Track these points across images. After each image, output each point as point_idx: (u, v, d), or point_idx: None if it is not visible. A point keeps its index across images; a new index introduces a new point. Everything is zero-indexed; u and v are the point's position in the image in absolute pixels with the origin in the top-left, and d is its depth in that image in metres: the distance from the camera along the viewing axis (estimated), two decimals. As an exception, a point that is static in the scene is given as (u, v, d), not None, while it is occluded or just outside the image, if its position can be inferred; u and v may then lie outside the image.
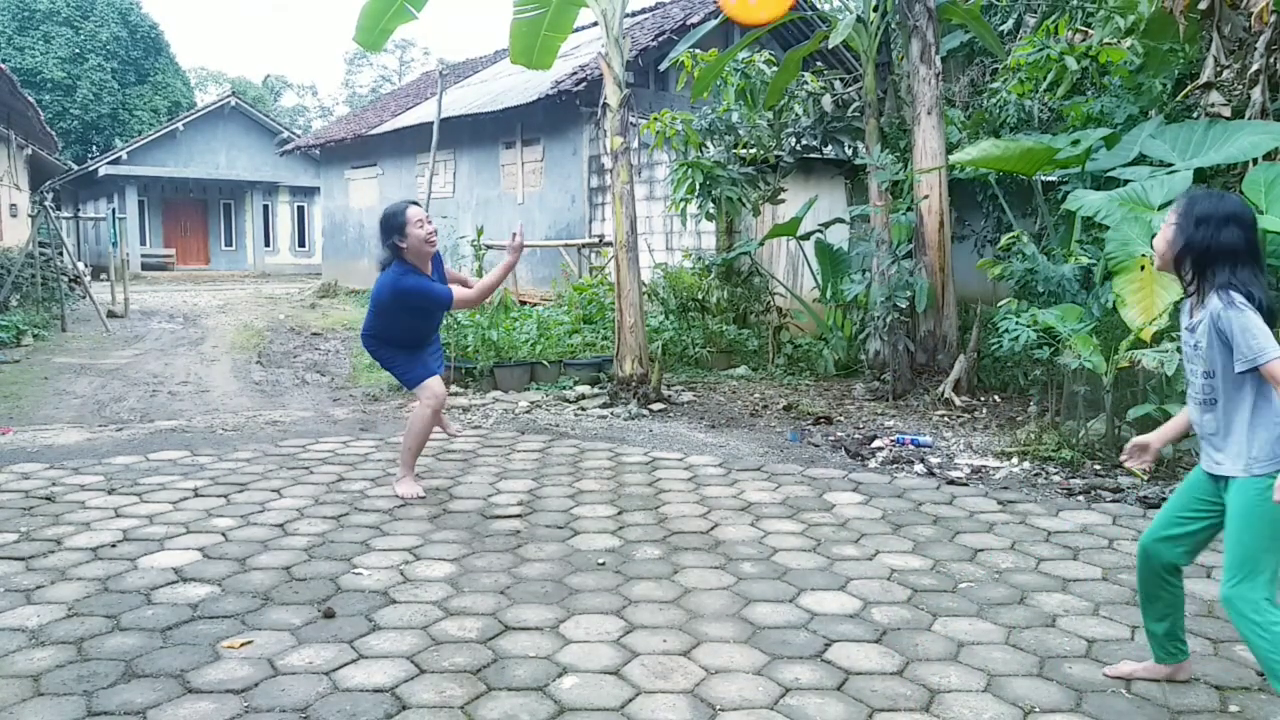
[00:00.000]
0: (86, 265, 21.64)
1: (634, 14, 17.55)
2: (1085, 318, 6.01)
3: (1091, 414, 5.88)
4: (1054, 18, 8.88)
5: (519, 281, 12.94)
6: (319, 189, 24.14)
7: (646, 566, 4.00)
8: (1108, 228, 6.05)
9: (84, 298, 15.60)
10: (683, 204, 9.13)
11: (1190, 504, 2.82)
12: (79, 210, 31.26)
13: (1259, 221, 5.50)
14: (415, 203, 5.00)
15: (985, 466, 5.70)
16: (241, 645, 3.19)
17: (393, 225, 4.80)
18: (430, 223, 4.89)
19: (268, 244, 32.91)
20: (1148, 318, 5.37)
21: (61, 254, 15.26)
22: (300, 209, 33.17)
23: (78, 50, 32.09)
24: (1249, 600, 2.57)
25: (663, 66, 11.88)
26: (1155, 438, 2.94)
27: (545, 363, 8.49)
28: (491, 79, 18.83)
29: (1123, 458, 3.01)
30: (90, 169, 28.75)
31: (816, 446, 6.30)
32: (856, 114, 9.21)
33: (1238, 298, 2.56)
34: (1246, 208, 2.70)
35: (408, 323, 5.01)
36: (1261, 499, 2.55)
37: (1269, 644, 2.55)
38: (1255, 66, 6.64)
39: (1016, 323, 6.26)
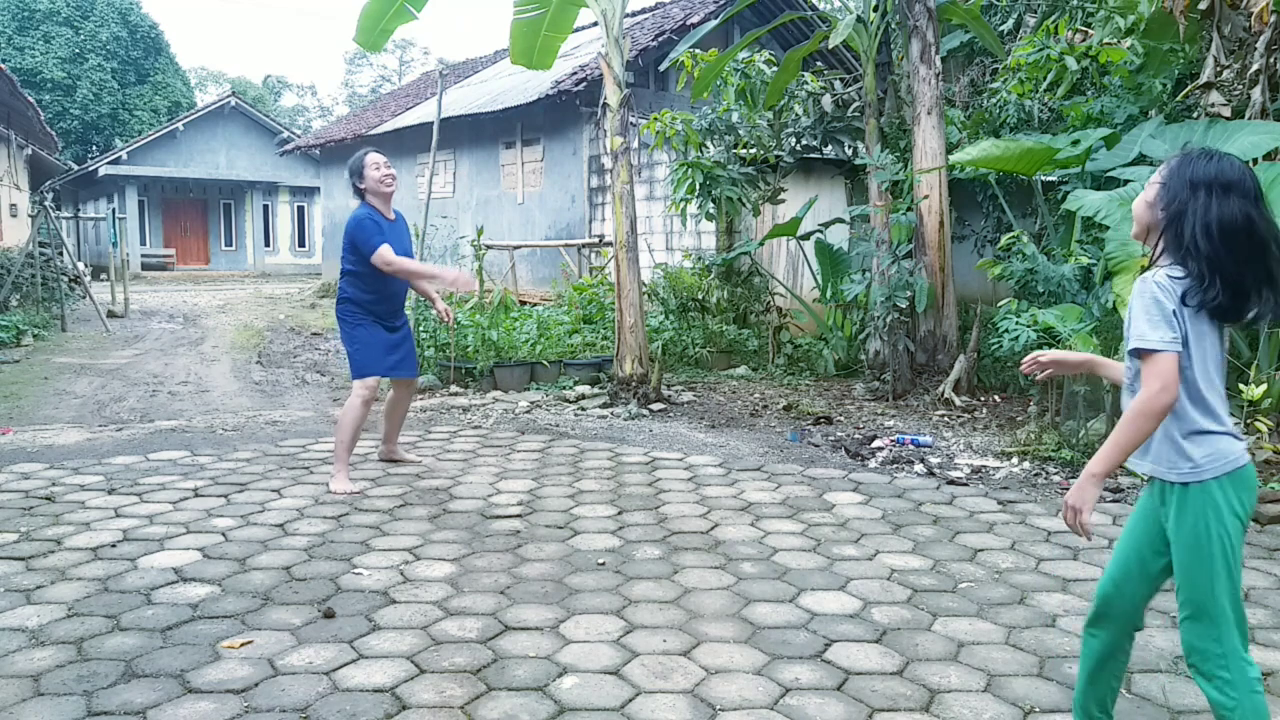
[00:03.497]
0: (86, 265, 21.63)
1: (634, 14, 17.55)
2: (1085, 318, 6.02)
3: (1091, 414, 5.88)
4: (1054, 18, 8.88)
5: (519, 281, 12.94)
6: (319, 189, 24.15)
7: (646, 566, 4.00)
8: (1108, 228, 6.05)
9: (84, 298, 15.60)
10: (683, 204, 9.14)
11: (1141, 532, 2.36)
12: (79, 210, 31.29)
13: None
14: (377, 150, 5.42)
15: (985, 466, 5.70)
16: (241, 645, 3.19)
17: (354, 168, 5.27)
18: (389, 167, 5.29)
19: (268, 244, 32.92)
20: (1148, 318, 5.36)
21: (61, 254, 15.27)
22: (300, 209, 33.17)
23: (78, 50, 32.10)
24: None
25: (663, 66, 11.88)
26: (1057, 354, 2.62)
27: (545, 363, 8.49)
28: (491, 79, 18.83)
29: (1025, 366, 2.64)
30: (90, 169, 28.77)
31: (816, 446, 6.30)
32: (856, 114, 9.21)
33: (1162, 275, 2.19)
34: (1248, 174, 2.21)
35: (369, 278, 5.19)
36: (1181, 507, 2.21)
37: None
38: (1255, 66, 6.64)
39: (1016, 323, 6.27)
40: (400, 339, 5.42)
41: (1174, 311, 2.16)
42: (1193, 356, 2.19)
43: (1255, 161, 6.34)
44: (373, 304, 5.24)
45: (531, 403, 7.74)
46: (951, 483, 5.37)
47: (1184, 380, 2.17)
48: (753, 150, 9.41)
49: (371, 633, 3.31)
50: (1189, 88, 7.20)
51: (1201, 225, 2.15)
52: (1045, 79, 8.04)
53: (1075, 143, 7.16)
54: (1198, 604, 2.19)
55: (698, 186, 8.93)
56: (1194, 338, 2.19)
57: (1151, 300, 2.17)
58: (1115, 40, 7.86)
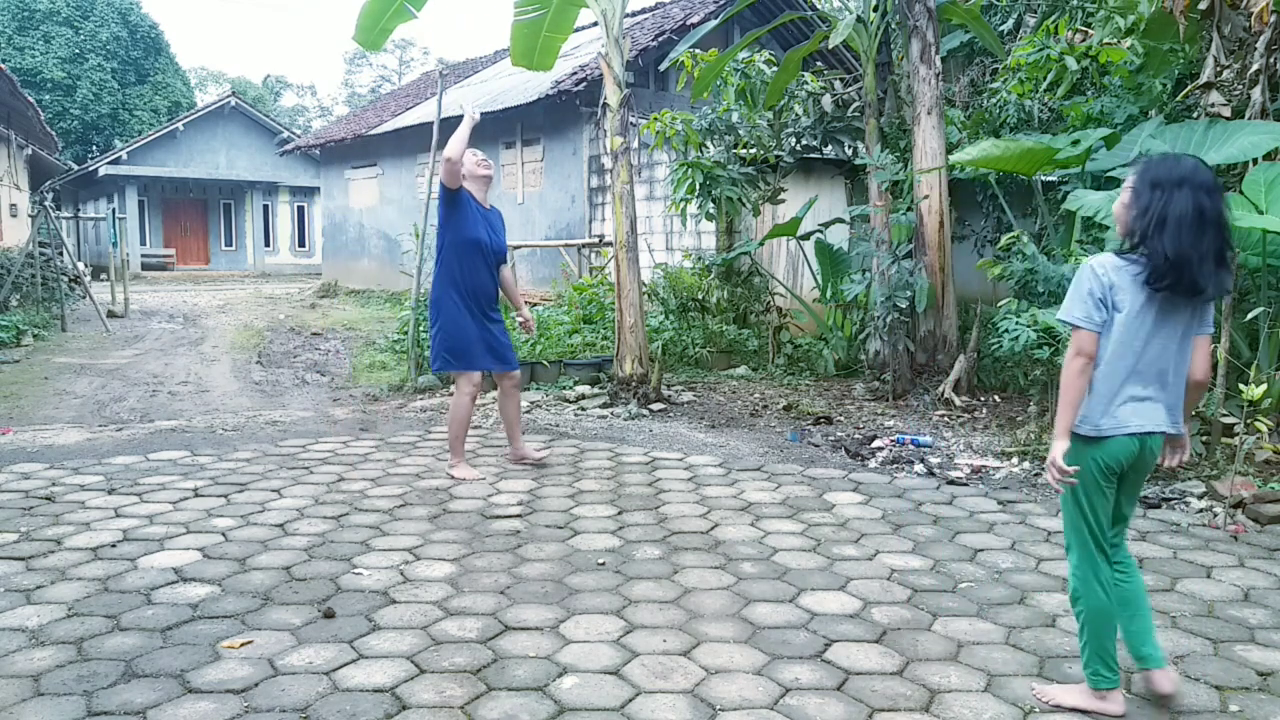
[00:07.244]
0: (86, 265, 21.64)
1: (634, 14, 17.55)
2: (1085, 318, 6.00)
3: (1091, 414, 5.87)
4: (1054, 18, 8.88)
5: (519, 281, 12.93)
6: (319, 189, 24.14)
7: (646, 566, 4.00)
8: (1108, 228, 6.05)
9: (84, 298, 15.61)
10: (683, 204, 9.13)
11: None
12: (79, 210, 31.30)
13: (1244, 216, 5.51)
14: (476, 151, 5.66)
15: (985, 466, 5.70)
16: (241, 645, 3.19)
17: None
18: (486, 158, 5.62)
19: (268, 244, 32.92)
20: (1148, 318, 5.35)
21: (61, 254, 15.27)
22: (300, 209, 33.17)
23: (78, 50, 32.10)
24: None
25: (663, 66, 11.88)
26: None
27: (545, 363, 8.49)
28: (491, 79, 18.84)
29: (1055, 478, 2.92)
30: (90, 169, 28.76)
31: (816, 446, 6.30)
32: (856, 114, 9.21)
33: (1102, 257, 2.65)
34: (1201, 170, 2.59)
35: (459, 258, 5.33)
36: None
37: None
38: (1255, 66, 6.64)
39: (1016, 323, 6.26)
40: (498, 332, 5.49)
41: (1101, 294, 2.61)
42: (1127, 329, 2.62)
43: (1255, 161, 6.34)
44: (466, 290, 5.32)
45: (531, 403, 7.74)
46: (951, 483, 5.37)
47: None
48: (753, 150, 9.40)
49: (371, 633, 3.31)
50: (1189, 88, 7.19)
51: (1158, 216, 2.55)
52: (1045, 79, 8.03)
53: (1075, 143, 7.16)
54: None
55: (698, 186, 8.92)
56: (1132, 313, 2.61)
57: (1079, 281, 2.64)
58: (1115, 40, 7.86)
